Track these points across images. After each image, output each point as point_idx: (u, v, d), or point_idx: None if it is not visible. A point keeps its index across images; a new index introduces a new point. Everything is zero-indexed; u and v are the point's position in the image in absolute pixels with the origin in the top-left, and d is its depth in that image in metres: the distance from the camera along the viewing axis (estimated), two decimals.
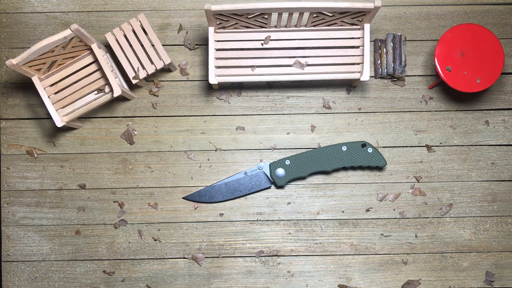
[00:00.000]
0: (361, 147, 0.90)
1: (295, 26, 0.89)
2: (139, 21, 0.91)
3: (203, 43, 0.97)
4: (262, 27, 0.89)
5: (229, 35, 0.90)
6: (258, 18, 0.85)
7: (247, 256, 0.95)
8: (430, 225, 0.95)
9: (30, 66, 0.84)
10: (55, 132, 0.96)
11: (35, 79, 0.88)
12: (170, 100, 0.97)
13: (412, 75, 0.97)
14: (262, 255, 0.95)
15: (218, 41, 0.89)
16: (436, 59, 0.89)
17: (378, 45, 0.96)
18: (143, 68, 0.91)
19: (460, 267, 0.95)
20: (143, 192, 0.95)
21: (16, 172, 0.96)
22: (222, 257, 0.95)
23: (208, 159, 0.96)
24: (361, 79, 0.89)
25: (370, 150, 0.90)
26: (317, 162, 0.92)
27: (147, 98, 0.97)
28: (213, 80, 0.88)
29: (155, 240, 0.95)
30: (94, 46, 0.88)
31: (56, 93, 0.90)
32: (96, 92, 0.91)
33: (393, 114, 0.97)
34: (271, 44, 0.90)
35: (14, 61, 0.81)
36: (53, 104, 0.89)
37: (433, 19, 0.98)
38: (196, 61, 0.97)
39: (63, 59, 0.88)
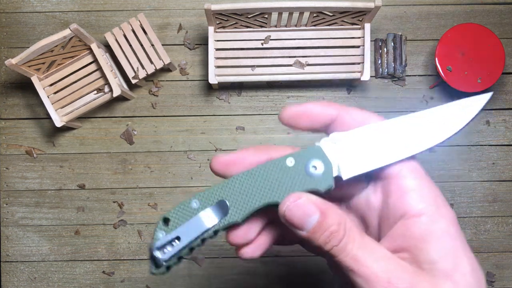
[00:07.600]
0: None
1: (295, 25, 0.89)
2: (139, 20, 0.91)
3: (203, 42, 0.97)
4: (262, 26, 0.89)
5: (229, 35, 0.89)
6: (258, 18, 0.85)
7: None
8: None
9: (29, 66, 0.84)
10: (54, 132, 0.96)
11: (34, 79, 0.88)
12: (170, 100, 0.96)
13: (412, 75, 0.97)
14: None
15: (218, 40, 0.89)
16: (436, 59, 0.89)
17: (378, 44, 0.95)
18: (143, 68, 0.91)
19: None
20: (143, 192, 0.95)
21: (15, 172, 0.95)
22: (222, 257, 0.95)
23: (208, 159, 0.96)
24: (362, 79, 0.89)
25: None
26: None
27: (147, 98, 0.96)
28: (213, 80, 0.88)
29: None
30: (94, 46, 0.88)
31: (55, 93, 0.90)
32: (95, 92, 0.91)
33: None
34: (271, 44, 0.90)
35: (13, 60, 0.81)
36: (52, 104, 0.89)
37: (433, 18, 0.97)
38: (196, 61, 0.97)
39: (63, 58, 0.88)
